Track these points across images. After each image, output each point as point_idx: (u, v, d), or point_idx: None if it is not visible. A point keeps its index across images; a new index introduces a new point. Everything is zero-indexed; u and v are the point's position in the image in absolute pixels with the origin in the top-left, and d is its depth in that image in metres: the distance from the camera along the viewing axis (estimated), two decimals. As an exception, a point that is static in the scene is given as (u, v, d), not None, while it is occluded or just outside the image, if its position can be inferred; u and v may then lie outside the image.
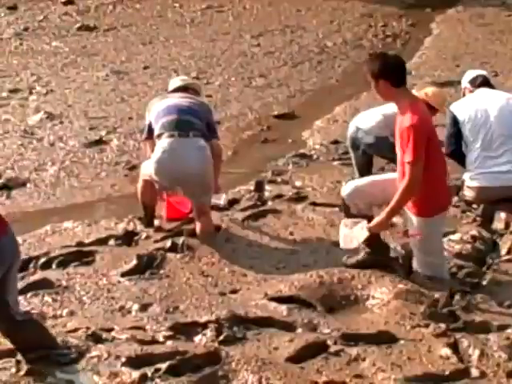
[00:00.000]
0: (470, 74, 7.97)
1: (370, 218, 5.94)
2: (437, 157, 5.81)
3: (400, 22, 18.07)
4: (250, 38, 16.72)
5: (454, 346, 5.04)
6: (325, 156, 9.39)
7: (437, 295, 5.65)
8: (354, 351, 5.03)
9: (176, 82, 7.61)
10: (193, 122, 6.90)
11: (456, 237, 6.72)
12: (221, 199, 7.48)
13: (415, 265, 6.06)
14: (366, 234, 5.81)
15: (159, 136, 6.87)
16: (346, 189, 6.26)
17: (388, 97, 5.93)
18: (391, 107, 8.04)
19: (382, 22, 18.05)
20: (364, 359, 4.94)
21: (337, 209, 7.29)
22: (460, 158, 7.54)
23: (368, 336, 5.19)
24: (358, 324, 5.41)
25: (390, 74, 5.72)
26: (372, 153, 8.04)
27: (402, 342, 5.14)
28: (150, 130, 7.08)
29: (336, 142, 9.63)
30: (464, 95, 7.85)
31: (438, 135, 6.09)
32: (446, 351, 4.96)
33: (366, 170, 7.96)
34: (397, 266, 6.17)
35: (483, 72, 8.06)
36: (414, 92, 8.27)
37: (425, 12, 18.89)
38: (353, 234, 5.86)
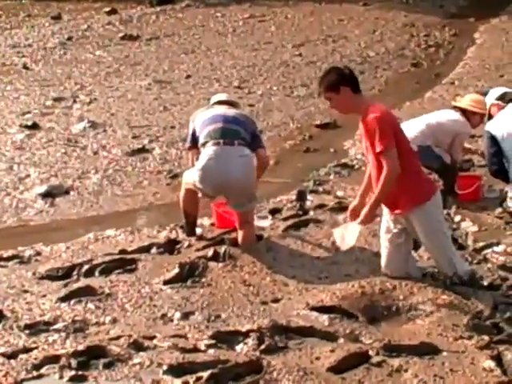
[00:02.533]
0: (496, 91, 8.10)
1: None
2: (404, 149, 5.82)
3: (443, 32, 18.02)
4: (291, 47, 16.77)
5: (498, 359, 4.98)
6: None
7: (480, 307, 5.61)
8: (395, 362, 4.98)
9: (221, 96, 7.76)
10: (238, 131, 6.95)
11: (500, 248, 6.72)
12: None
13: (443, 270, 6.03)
14: (358, 228, 5.97)
15: (204, 144, 6.91)
16: (383, 269, 6.20)
17: (349, 105, 5.91)
18: (434, 117, 8.09)
19: (425, 31, 18.01)
20: (406, 370, 4.90)
21: (378, 219, 7.27)
22: (504, 175, 7.53)
23: (410, 347, 5.14)
24: (400, 335, 5.37)
25: (349, 79, 5.84)
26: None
27: (444, 353, 5.08)
28: (194, 139, 7.11)
29: (378, 152, 9.59)
30: (490, 113, 7.82)
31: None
32: (490, 363, 4.90)
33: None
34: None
35: (508, 89, 8.10)
36: (457, 103, 8.24)
37: (468, 21, 18.84)
38: (346, 235, 6.04)
